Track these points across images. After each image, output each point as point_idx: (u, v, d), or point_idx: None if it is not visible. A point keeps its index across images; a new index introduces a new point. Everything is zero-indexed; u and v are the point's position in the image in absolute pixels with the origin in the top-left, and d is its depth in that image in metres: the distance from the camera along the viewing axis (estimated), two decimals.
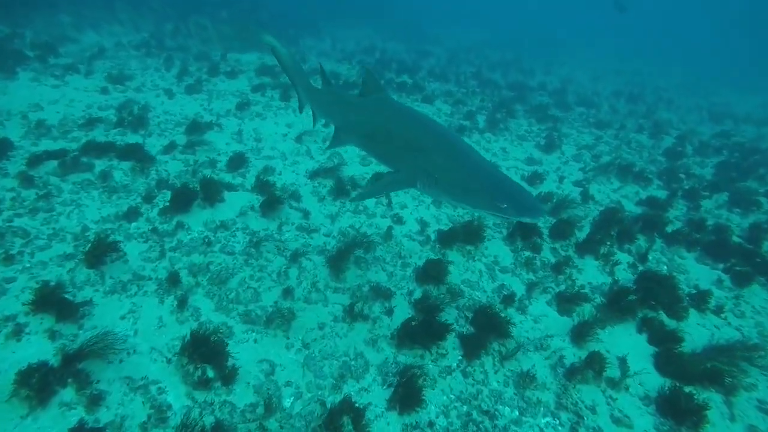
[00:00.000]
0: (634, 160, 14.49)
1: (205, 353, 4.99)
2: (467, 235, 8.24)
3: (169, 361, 5.01)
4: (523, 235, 8.56)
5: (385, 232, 8.06)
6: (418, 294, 6.75)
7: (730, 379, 6.17)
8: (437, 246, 8.01)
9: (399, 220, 8.60)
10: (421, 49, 29.37)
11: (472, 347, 5.84)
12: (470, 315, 6.42)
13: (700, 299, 7.82)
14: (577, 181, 12.15)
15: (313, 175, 9.62)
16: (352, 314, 6.11)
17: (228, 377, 4.90)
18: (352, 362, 5.53)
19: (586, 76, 30.91)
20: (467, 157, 4.32)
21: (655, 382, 5.96)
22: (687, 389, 5.81)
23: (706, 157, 15.94)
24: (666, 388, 5.75)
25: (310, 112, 6.40)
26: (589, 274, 7.93)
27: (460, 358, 5.79)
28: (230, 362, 5.10)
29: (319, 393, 5.13)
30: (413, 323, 5.92)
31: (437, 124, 4.83)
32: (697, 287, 8.13)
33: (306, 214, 8.24)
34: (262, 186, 8.64)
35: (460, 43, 35.67)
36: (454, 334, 6.06)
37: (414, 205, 9.21)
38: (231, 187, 8.56)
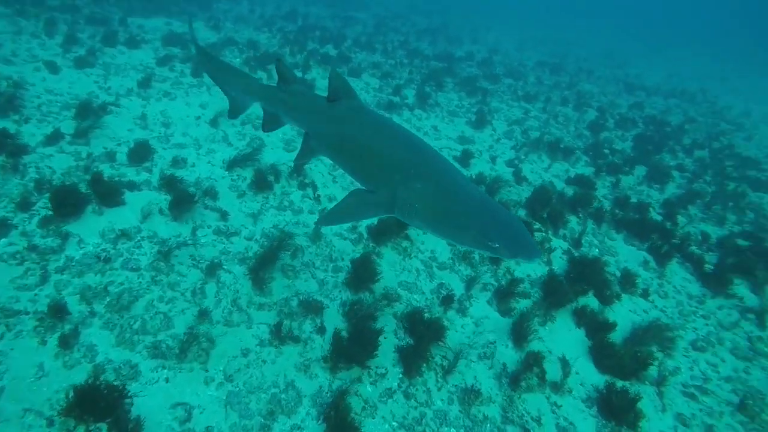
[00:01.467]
0: (562, 135, 14.70)
1: (99, 407, 4.15)
2: (401, 227, 7.77)
3: (51, 423, 4.12)
4: None
5: (313, 231, 7.38)
6: (358, 306, 6.20)
7: (656, 362, 6.28)
8: (371, 244, 7.48)
9: None
10: (347, 16, 27.95)
11: (412, 362, 5.43)
12: (409, 325, 5.99)
13: (629, 283, 7.99)
14: (509, 161, 12.05)
15: (231, 165, 8.62)
16: (279, 336, 5.47)
17: None
18: (283, 394, 4.93)
19: (512, 44, 31.18)
20: (452, 183, 3.71)
21: (595, 379, 5.94)
22: (623, 384, 5.85)
23: (626, 131, 16.57)
24: (603, 386, 5.73)
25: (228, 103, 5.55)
26: (527, 264, 7.80)
27: (401, 376, 5.38)
28: (134, 413, 4.32)
29: None
30: (342, 334, 5.40)
31: (417, 140, 4.19)
32: (626, 270, 8.28)
33: (224, 214, 7.33)
34: (172, 182, 7.55)
35: (388, 7, 34.50)
36: (393, 348, 5.63)
37: (343, 196, 8.56)
38: (134, 186, 7.39)
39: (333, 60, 16.78)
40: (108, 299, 5.42)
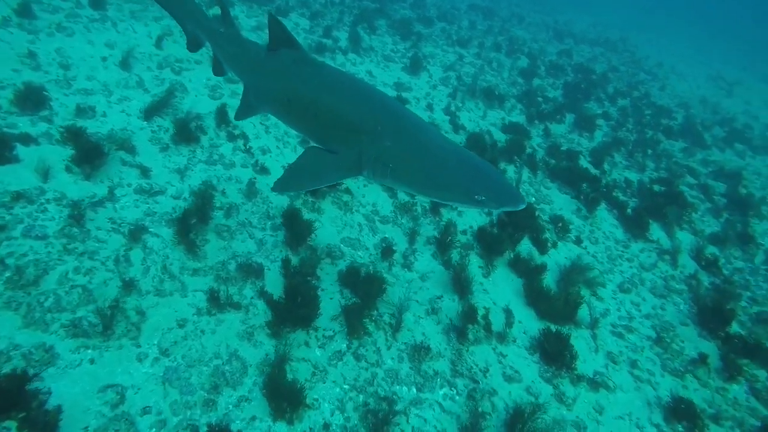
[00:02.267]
0: (497, 82, 14.68)
1: (5, 399, 3.63)
2: None
3: None
4: None
5: (246, 186, 6.84)
6: (295, 263, 5.90)
7: (583, 300, 6.62)
8: (310, 199, 7.10)
9: (263, 170, 7.40)
10: None
11: (355, 320, 5.27)
12: (349, 283, 5.79)
13: (563, 230, 8.32)
14: (447, 108, 11.86)
15: (149, 114, 7.67)
16: (218, 303, 5.09)
17: (47, 429, 3.66)
18: (226, 366, 4.63)
19: None
20: (425, 139, 3.45)
21: (536, 326, 6.18)
22: (557, 328, 6.09)
23: (556, 78, 16.88)
24: (540, 332, 5.98)
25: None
26: (469, 216, 7.83)
27: (348, 336, 5.24)
28: (53, 402, 3.85)
29: (189, 414, 4.21)
30: (276, 297, 5.14)
31: (377, 92, 3.80)
32: (561, 218, 8.57)
33: (145, 170, 6.56)
34: (78, 135, 6.57)
35: None
36: (340, 308, 5.45)
37: (276, 147, 8.00)
38: (29, 139, 6.35)
39: None
40: (7, 274, 4.69)
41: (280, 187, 3.54)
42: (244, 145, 7.78)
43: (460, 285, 6.27)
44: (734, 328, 7.30)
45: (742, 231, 10.17)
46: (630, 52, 26.37)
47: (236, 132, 7.94)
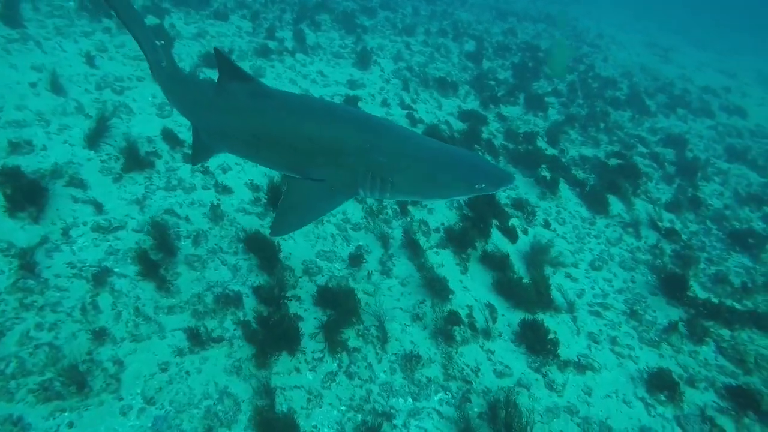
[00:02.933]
0: (448, 69, 14.71)
1: None
2: None
3: None
4: None
5: (210, 210, 6.57)
6: (270, 286, 5.72)
7: (549, 281, 6.79)
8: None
9: (225, 190, 7.12)
10: None
11: (337, 338, 5.18)
12: (329, 298, 5.67)
13: (531, 214, 8.49)
14: (403, 103, 11.79)
15: (95, 141, 7.19)
16: (199, 340, 4.88)
17: None
18: (218, 405, 4.46)
19: None
20: (413, 145, 3.54)
21: (518, 317, 6.28)
22: (533, 317, 6.18)
23: (505, 59, 17.08)
24: (518, 323, 6.08)
25: None
26: (440, 212, 7.84)
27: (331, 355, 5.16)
28: None
29: None
30: (252, 328, 5.01)
31: (350, 110, 3.84)
32: (527, 203, 8.74)
33: (99, 205, 6.17)
34: (15, 175, 6.06)
35: None
36: (322, 330, 5.33)
37: (235, 164, 7.70)
38: None
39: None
40: None
41: (277, 230, 3.44)
42: (202, 165, 7.46)
43: (433, 288, 6.22)
44: (698, 291, 7.71)
45: (693, 195, 10.72)
46: (571, 26, 27.04)
47: (191, 152, 7.58)
